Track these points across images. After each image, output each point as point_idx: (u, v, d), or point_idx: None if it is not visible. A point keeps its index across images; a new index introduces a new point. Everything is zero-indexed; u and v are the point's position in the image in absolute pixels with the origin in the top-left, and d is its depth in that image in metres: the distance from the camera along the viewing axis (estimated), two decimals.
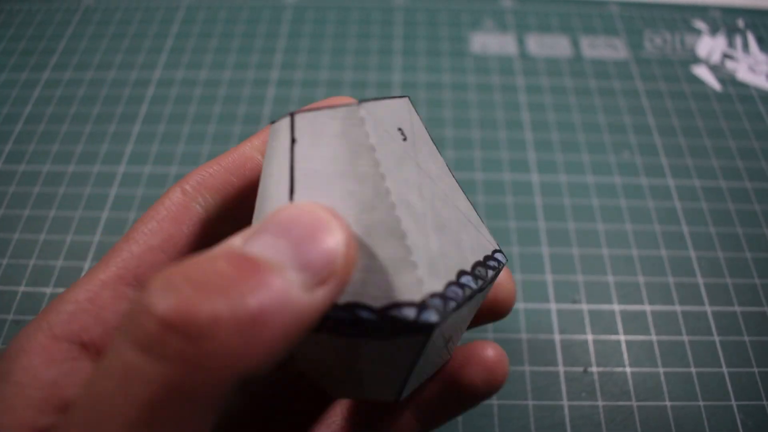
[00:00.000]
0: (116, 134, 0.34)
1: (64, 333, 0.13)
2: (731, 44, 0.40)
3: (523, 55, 0.39)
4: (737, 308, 0.27)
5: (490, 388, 0.17)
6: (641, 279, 0.28)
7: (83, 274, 0.28)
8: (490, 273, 0.14)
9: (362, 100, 0.14)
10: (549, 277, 0.28)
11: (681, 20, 0.42)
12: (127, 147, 0.34)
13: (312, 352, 0.14)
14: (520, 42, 0.40)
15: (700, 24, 0.41)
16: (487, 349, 0.17)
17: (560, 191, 0.32)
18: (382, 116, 0.14)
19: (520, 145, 0.34)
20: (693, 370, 0.25)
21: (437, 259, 0.13)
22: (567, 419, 0.24)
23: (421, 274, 0.12)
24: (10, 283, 0.28)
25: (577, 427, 0.24)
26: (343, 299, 0.12)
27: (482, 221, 0.16)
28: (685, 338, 0.26)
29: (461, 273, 0.14)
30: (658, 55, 0.39)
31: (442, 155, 0.17)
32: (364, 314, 0.12)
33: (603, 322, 0.27)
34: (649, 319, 0.27)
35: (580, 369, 0.25)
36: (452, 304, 0.13)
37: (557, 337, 0.26)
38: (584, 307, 0.27)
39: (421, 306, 0.12)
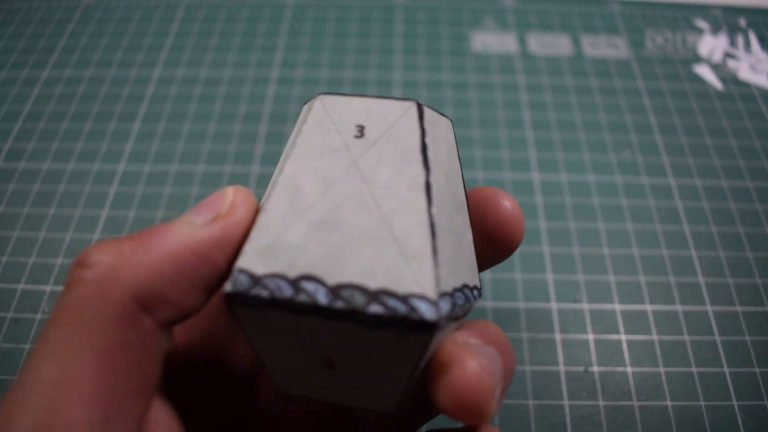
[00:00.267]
0: (116, 132, 0.34)
1: None
2: (733, 43, 0.40)
3: (524, 53, 0.39)
4: (738, 308, 0.27)
5: (504, 243, 0.16)
6: (642, 278, 0.28)
7: None
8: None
9: (354, 94, 0.15)
10: (550, 277, 0.28)
11: (682, 19, 0.41)
12: (127, 145, 0.34)
13: (303, 351, 0.14)
14: (521, 41, 0.40)
15: (701, 23, 0.41)
16: (502, 199, 0.16)
17: (561, 190, 0.32)
18: (340, 110, 0.14)
19: (521, 144, 0.34)
20: (694, 369, 0.25)
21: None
22: (568, 419, 0.24)
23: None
24: (10, 281, 0.28)
25: (578, 426, 0.24)
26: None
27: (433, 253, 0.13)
28: (687, 338, 0.26)
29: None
30: (659, 54, 0.39)
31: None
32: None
33: (604, 322, 0.27)
34: (651, 318, 0.27)
35: (581, 369, 0.25)
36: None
37: (558, 336, 0.26)
38: (585, 306, 0.27)
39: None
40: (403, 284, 0.12)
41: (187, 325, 0.14)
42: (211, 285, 0.13)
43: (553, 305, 0.27)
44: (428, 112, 0.14)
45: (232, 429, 0.17)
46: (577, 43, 0.40)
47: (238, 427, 0.17)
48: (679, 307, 0.27)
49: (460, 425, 0.14)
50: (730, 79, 0.38)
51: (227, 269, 0.13)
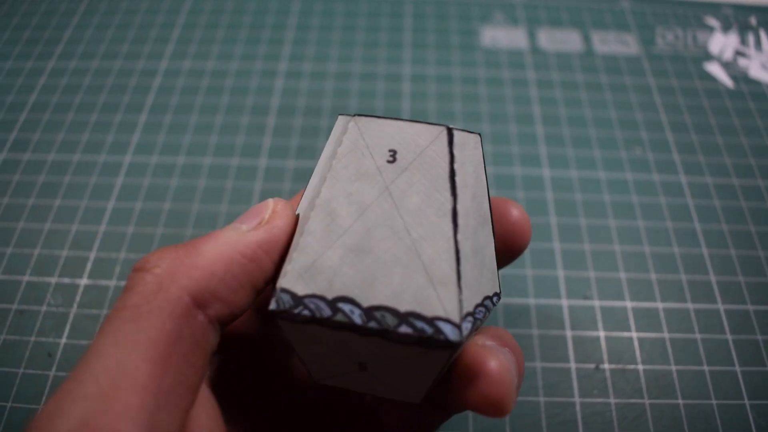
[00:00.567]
0: (122, 124, 0.34)
1: None
2: (743, 41, 0.40)
3: (534, 49, 0.39)
4: (750, 306, 0.27)
5: (512, 248, 0.18)
6: (653, 276, 0.28)
7: (89, 264, 0.28)
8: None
9: (388, 117, 0.16)
10: (560, 273, 0.28)
11: (693, 17, 0.41)
12: (134, 137, 0.33)
13: (342, 357, 0.15)
14: (531, 36, 0.39)
15: (712, 21, 0.41)
16: (511, 208, 0.18)
17: (571, 186, 0.31)
18: (374, 133, 0.15)
19: (531, 140, 0.33)
20: (705, 368, 0.25)
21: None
22: (579, 416, 0.24)
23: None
24: (15, 273, 0.28)
25: (589, 424, 0.24)
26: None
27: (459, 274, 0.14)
28: (698, 336, 0.26)
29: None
30: (669, 51, 0.39)
31: None
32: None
33: (615, 319, 0.27)
34: (662, 316, 0.27)
35: (592, 366, 0.25)
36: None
37: (569, 333, 0.26)
38: (596, 303, 0.27)
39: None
40: (430, 308, 0.13)
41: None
42: (258, 285, 0.14)
43: (564, 302, 0.27)
44: (458, 136, 0.15)
45: (273, 415, 0.18)
46: (587, 39, 0.39)
47: (279, 413, 0.18)
48: (690, 305, 0.27)
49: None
50: (740, 77, 0.37)
51: (272, 270, 0.14)
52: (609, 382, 0.25)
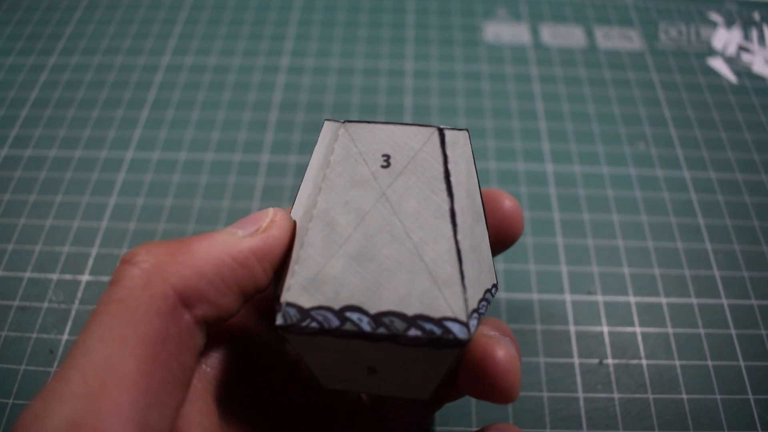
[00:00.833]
0: (124, 119, 0.34)
1: None
2: (747, 37, 0.39)
3: (537, 44, 0.38)
4: (754, 301, 0.27)
5: (506, 238, 0.19)
6: (657, 271, 0.28)
7: (90, 260, 0.28)
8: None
9: (377, 121, 0.15)
10: (564, 268, 0.28)
11: (696, 12, 0.41)
12: (135, 132, 0.33)
13: (350, 360, 0.15)
14: (534, 31, 0.39)
15: (715, 16, 0.41)
16: (504, 199, 0.19)
17: (575, 182, 0.31)
18: (365, 139, 0.15)
19: (534, 135, 0.33)
20: (709, 363, 0.25)
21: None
22: (582, 411, 0.24)
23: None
24: (16, 269, 0.28)
25: (593, 419, 0.23)
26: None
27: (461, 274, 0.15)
28: (702, 331, 0.26)
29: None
30: (673, 46, 0.39)
31: None
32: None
33: (618, 314, 0.27)
34: (665, 311, 0.27)
35: (596, 361, 0.25)
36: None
37: (572, 328, 0.26)
38: (599, 298, 0.27)
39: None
40: (437, 309, 0.13)
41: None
42: (247, 291, 0.14)
43: (568, 297, 0.27)
44: (449, 135, 0.15)
45: (273, 409, 0.17)
46: (590, 34, 0.39)
47: (278, 412, 0.18)
48: (694, 300, 0.27)
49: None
50: (744, 72, 0.37)
51: (263, 279, 0.14)
52: (612, 377, 0.25)
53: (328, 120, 0.16)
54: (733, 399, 0.24)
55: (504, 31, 0.39)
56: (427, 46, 0.38)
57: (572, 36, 0.39)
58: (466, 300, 0.13)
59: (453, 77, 0.36)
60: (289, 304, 0.14)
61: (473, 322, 0.14)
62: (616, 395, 0.24)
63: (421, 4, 0.41)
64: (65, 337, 0.26)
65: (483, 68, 0.37)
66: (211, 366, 0.15)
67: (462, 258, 0.14)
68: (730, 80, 0.37)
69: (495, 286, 0.17)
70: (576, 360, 0.25)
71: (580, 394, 0.24)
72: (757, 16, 0.41)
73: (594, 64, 0.37)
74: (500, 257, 0.28)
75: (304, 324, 0.13)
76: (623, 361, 0.25)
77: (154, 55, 0.37)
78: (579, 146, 0.33)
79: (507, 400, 0.14)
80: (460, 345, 0.13)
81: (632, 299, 0.27)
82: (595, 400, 0.24)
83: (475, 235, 0.15)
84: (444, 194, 0.14)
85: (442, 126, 0.15)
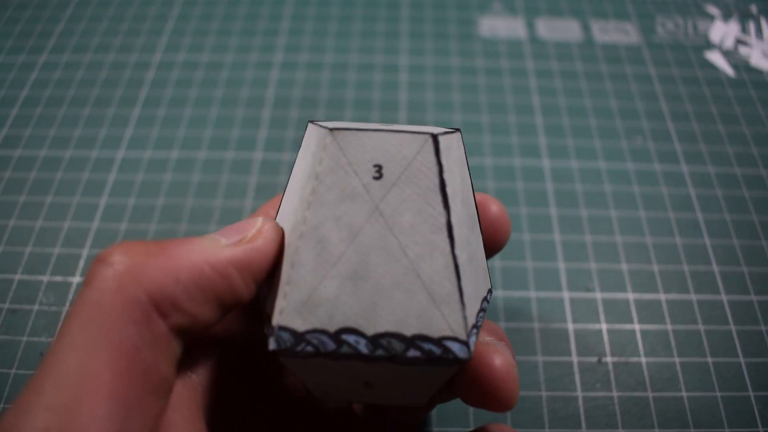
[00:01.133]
0: (115, 118, 0.33)
1: None
2: (744, 30, 0.39)
3: (533, 38, 0.38)
4: (754, 297, 0.27)
5: (493, 244, 0.19)
6: (656, 267, 0.28)
7: (81, 261, 0.27)
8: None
9: (366, 128, 0.14)
10: (561, 265, 0.28)
11: (693, 5, 0.41)
12: (127, 131, 0.33)
13: (348, 379, 0.15)
14: (530, 25, 0.39)
15: (712, 9, 0.40)
16: (491, 205, 0.18)
17: (572, 177, 0.31)
18: (355, 148, 0.14)
19: (531, 130, 0.33)
20: (709, 360, 0.25)
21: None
22: (581, 410, 0.23)
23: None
24: (6, 271, 0.27)
25: (592, 418, 0.23)
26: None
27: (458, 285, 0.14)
28: (701, 327, 0.26)
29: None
30: (670, 40, 0.38)
31: None
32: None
33: (617, 311, 0.26)
34: (664, 307, 0.26)
35: (594, 359, 0.25)
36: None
37: (570, 326, 0.26)
38: (598, 295, 0.27)
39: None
40: (436, 328, 0.13)
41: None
42: (226, 303, 0.13)
43: (565, 294, 0.27)
44: (443, 141, 0.14)
45: (261, 415, 0.17)
46: (586, 28, 0.39)
47: (267, 412, 0.17)
48: (693, 296, 0.27)
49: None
50: (742, 65, 0.37)
51: (244, 291, 0.14)
52: (612, 375, 0.24)
53: (312, 122, 0.15)
54: (733, 396, 0.24)
55: (499, 25, 0.39)
56: (422, 41, 0.38)
57: (568, 30, 0.39)
58: (465, 318, 0.13)
59: (448, 72, 0.36)
60: (282, 328, 0.13)
61: (473, 339, 0.13)
62: (615, 393, 0.24)
63: None
64: None
65: (478, 63, 0.36)
66: (195, 372, 0.15)
67: (460, 274, 0.13)
68: (727, 73, 0.36)
69: (490, 291, 0.16)
70: (574, 358, 0.25)
71: (579, 393, 0.24)
72: (754, 8, 0.41)
73: (591, 58, 0.37)
74: (497, 255, 0.28)
75: (298, 348, 0.13)
76: (622, 358, 0.25)
77: (146, 52, 0.37)
78: (576, 141, 0.32)
79: (505, 408, 0.14)
80: (460, 363, 0.13)
81: (631, 296, 0.27)
82: (594, 398, 0.24)
83: (472, 245, 0.15)
84: (440, 207, 0.14)
85: (435, 132, 0.14)
